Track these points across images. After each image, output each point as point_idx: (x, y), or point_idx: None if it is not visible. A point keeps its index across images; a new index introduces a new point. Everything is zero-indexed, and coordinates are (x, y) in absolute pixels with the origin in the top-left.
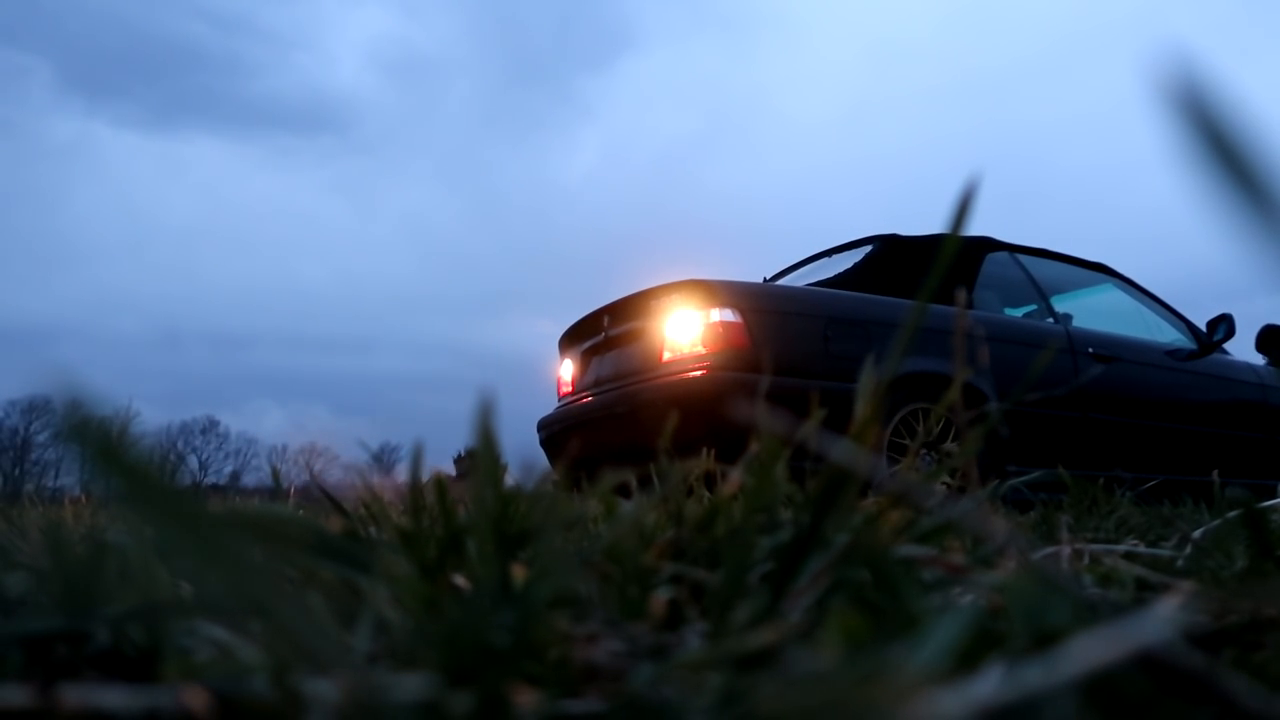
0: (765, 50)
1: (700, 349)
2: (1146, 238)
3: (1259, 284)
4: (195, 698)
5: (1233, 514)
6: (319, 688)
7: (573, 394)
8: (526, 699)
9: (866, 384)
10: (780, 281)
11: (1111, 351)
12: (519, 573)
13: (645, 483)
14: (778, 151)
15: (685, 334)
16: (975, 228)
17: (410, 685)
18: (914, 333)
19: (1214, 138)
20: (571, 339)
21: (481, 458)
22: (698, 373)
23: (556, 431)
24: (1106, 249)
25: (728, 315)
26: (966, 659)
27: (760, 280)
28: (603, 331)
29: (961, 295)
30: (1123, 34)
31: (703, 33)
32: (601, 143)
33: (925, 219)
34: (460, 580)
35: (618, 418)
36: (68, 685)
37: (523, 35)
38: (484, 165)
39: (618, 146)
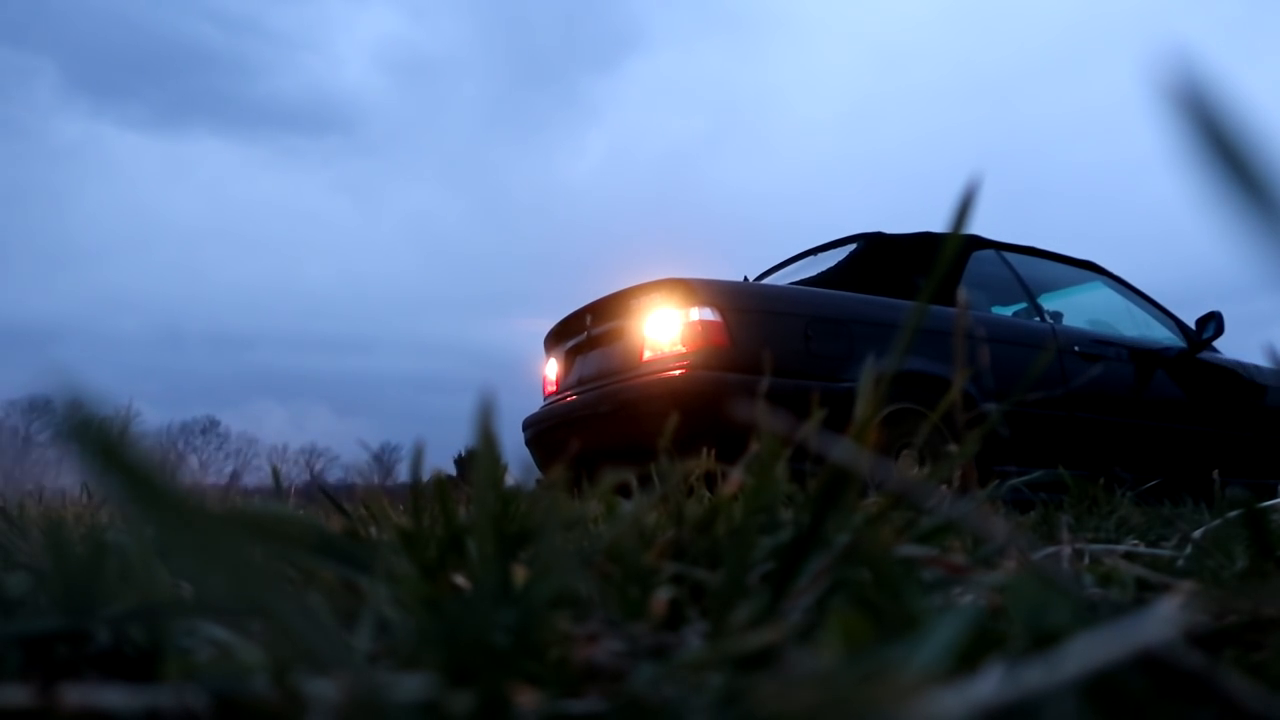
0: (771, 51)
1: (680, 348)
2: (1148, 237)
3: (1260, 284)
4: (196, 697)
5: (1233, 514)
6: (319, 687)
7: (557, 393)
8: (527, 699)
9: (866, 383)
10: (764, 281)
11: (1099, 350)
12: (519, 573)
13: (645, 482)
14: (783, 151)
15: (665, 333)
16: (971, 225)
17: (411, 685)
18: (894, 332)
19: (1215, 137)
20: (556, 338)
21: (482, 458)
22: (677, 372)
23: (541, 431)
24: (1110, 247)
25: (707, 314)
26: (967, 659)
27: (742, 279)
28: (585, 331)
29: (962, 296)
30: (1126, 34)
31: (709, 34)
32: (607, 143)
33: (931, 217)
34: (461, 580)
35: (600, 417)
36: (68, 685)
37: (530, 37)
38: (489, 166)
39: (623, 147)
